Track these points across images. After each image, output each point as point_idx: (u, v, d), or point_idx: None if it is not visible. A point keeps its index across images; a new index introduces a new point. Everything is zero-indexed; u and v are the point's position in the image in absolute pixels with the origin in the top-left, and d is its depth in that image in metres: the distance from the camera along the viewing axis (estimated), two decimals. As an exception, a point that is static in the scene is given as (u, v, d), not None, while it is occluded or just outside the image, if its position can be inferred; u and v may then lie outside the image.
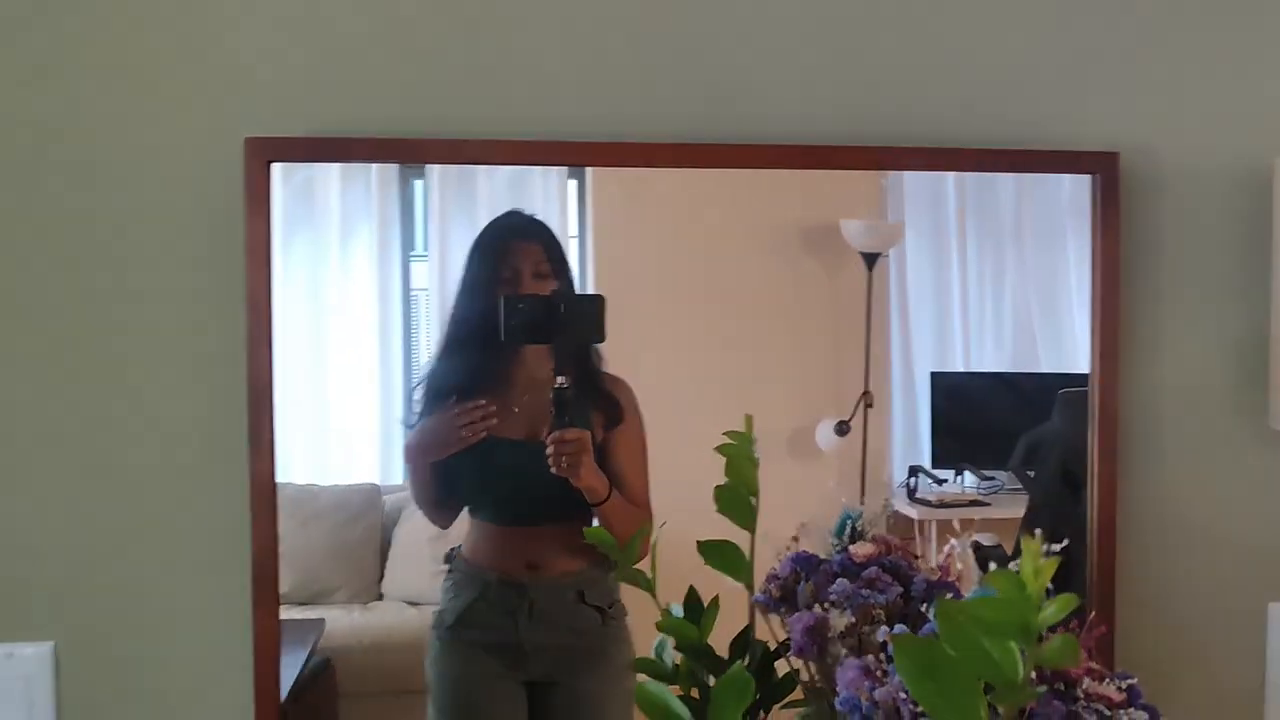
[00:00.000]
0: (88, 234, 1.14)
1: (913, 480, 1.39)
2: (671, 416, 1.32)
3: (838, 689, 0.89)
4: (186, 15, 1.16)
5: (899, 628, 0.89)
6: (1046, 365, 1.43)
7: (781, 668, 1.07)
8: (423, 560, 1.31)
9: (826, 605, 0.98)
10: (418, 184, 1.31)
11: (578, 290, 1.28)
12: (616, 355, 1.28)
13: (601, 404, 1.28)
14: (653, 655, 1.08)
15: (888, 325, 1.38)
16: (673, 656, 1.06)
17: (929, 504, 1.38)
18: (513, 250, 1.27)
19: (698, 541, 1.03)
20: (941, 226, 1.40)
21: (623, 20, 1.25)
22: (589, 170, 1.29)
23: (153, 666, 1.13)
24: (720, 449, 1.02)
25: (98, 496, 1.12)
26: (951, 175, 1.36)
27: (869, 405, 1.36)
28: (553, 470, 1.22)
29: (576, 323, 1.26)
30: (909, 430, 1.41)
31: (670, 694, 0.87)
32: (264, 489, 1.10)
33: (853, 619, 0.97)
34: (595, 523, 1.24)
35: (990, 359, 1.44)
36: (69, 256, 1.13)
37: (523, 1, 1.23)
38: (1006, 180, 1.37)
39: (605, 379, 1.28)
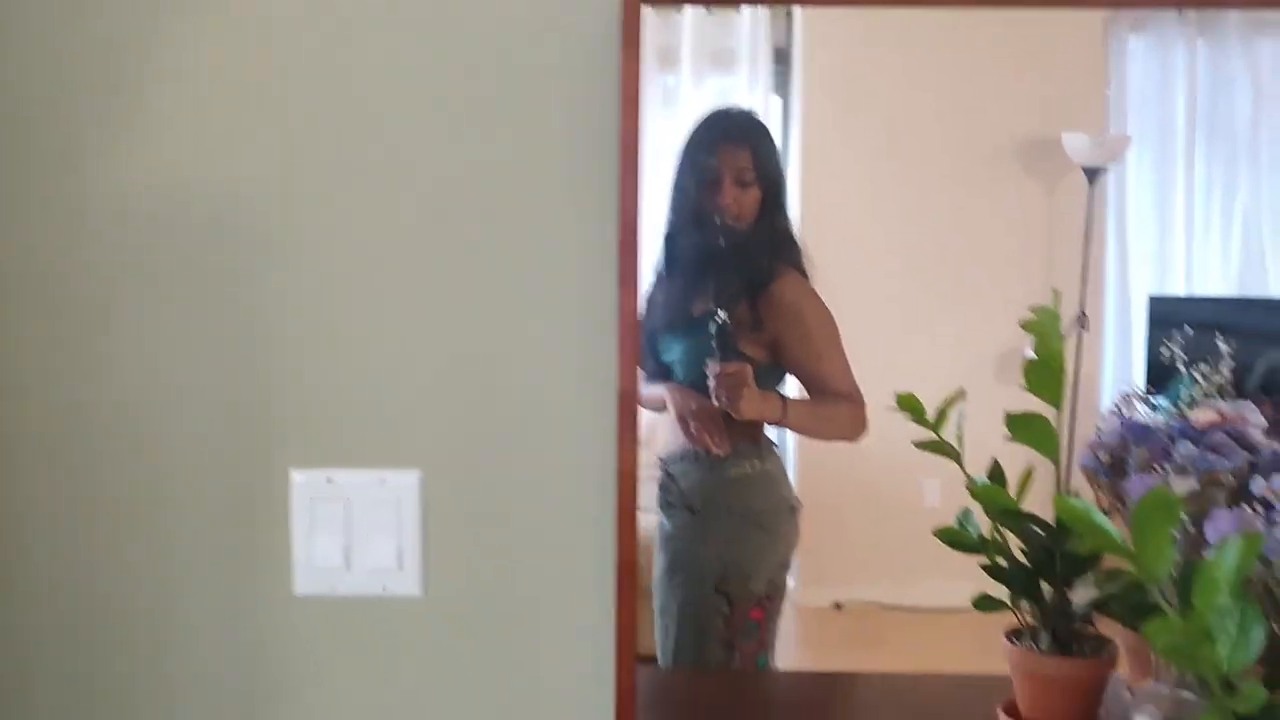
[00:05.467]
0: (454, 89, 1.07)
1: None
2: (877, 335, 1.30)
3: (1208, 539, 0.82)
4: None
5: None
6: (1278, 290, 1.34)
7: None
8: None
9: (1165, 471, 0.93)
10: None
11: (789, 198, 1.23)
12: (823, 271, 1.25)
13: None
14: (955, 526, 1.00)
15: (1105, 245, 1.32)
16: (978, 527, 0.99)
17: (1145, 431, 1.32)
18: (717, 155, 1.22)
19: (1006, 413, 0.96)
20: (1168, 140, 1.32)
21: None
22: (796, 82, 1.26)
23: (516, 499, 1.11)
24: (1025, 325, 0.96)
25: (467, 328, 1.10)
26: (1182, 83, 1.29)
27: (1084, 328, 1.31)
28: (714, 403, 1.21)
29: (738, 258, 1.22)
30: (1122, 355, 1.35)
31: (1094, 508, 0.83)
32: (630, 326, 1.06)
33: (1196, 485, 0.91)
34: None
35: (1215, 282, 1.37)
36: (433, 111, 1.07)
37: None
38: (1243, 86, 1.29)
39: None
